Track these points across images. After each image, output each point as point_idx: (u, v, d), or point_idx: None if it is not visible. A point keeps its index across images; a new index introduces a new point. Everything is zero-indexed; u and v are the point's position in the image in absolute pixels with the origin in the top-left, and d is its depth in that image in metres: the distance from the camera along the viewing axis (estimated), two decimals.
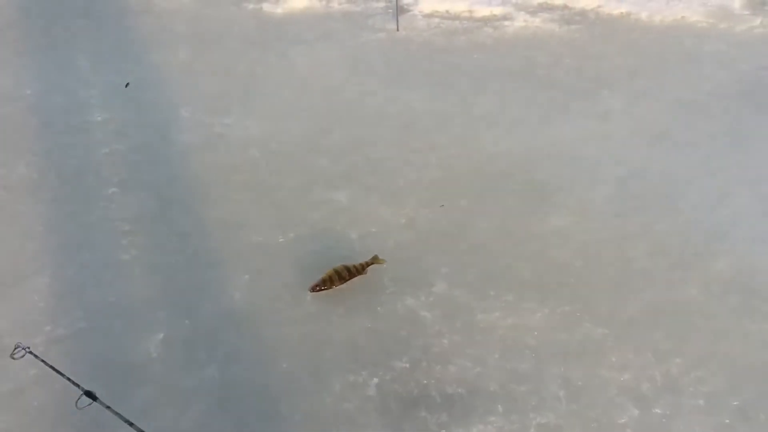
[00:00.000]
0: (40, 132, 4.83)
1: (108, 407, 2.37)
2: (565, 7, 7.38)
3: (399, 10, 7.05)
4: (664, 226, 3.87)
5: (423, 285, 3.51)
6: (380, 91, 5.55)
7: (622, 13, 7.13)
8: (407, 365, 3.07)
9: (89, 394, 2.44)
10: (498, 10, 7.30)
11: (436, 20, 7.20)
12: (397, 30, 6.93)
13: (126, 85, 5.52)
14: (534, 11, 7.26)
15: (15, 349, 2.57)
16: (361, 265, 3.54)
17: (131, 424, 2.31)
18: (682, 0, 7.06)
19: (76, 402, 2.38)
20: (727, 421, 2.73)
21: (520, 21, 7.05)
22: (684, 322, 3.23)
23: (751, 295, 3.34)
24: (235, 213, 4.09)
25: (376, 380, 3.00)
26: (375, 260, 3.61)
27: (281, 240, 3.86)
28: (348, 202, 4.19)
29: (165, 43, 6.72)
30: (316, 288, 3.42)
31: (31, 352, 2.57)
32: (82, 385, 2.46)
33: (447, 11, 7.40)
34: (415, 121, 5.11)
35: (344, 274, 3.46)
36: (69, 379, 2.49)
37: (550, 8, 7.35)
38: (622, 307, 3.33)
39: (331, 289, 3.43)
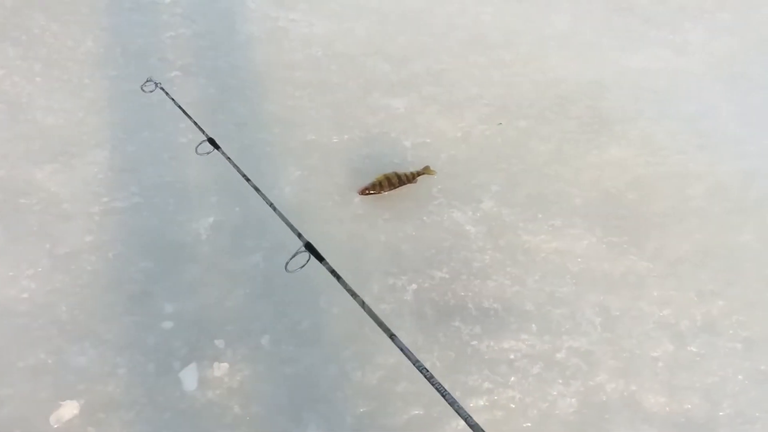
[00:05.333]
0: (109, 8, 4.82)
1: (229, 158, 2.42)
2: None
3: None
4: (727, 168, 3.75)
5: (471, 200, 3.50)
6: (450, 1, 5.37)
7: None
8: (447, 275, 3.11)
9: (212, 142, 2.50)
10: None
11: None
12: None
13: None
14: None
15: (146, 81, 2.66)
16: (411, 173, 3.54)
17: (238, 169, 2.40)
18: None
19: (197, 148, 2.45)
20: (763, 367, 2.71)
21: None
22: (733, 267, 3.17)
23: None
24: (292, 109, 4.09)
25: (414, 286, 3.05)
26: (426, 170, 3.60)
27: (335, 140, 3.86)
28: (405, 110, 4.14)
29: None
30: (365, 191, 3.44)
31: (162, 89, 2.66)
32: None
33: None
34: (483, 35, 4.96)
35: (394, 181, 3.47)
36: (195, 123, 2.55)
37: None
38: (672, 244, 3.28)
39: (379, 194, 3.45)
